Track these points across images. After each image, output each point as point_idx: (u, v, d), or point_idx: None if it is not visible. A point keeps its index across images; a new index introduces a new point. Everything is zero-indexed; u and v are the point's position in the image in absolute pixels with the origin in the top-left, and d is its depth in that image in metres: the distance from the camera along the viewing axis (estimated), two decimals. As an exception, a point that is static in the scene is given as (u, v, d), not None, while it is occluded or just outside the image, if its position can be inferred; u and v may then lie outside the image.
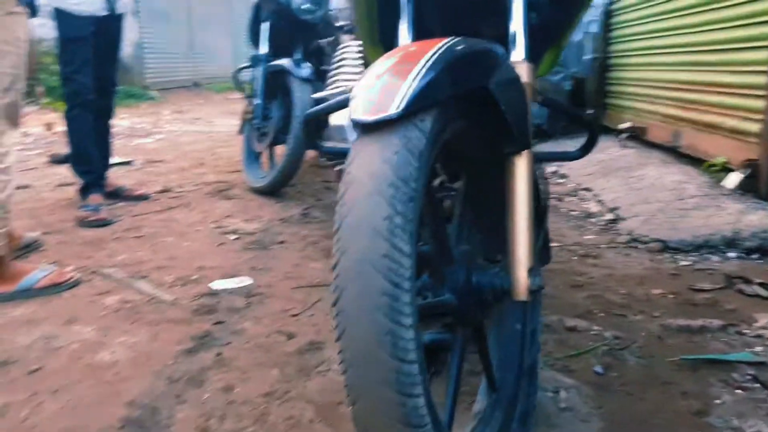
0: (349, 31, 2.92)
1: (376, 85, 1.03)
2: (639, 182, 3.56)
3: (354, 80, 2.47)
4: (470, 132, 1.28)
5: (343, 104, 1.58)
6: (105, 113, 3.62)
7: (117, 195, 3.76)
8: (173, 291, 2.41)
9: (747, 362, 1.82)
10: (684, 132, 3.84)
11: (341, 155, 1.86)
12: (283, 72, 3.85)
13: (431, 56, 1.04)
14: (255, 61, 4.13)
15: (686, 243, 2.74)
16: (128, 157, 5.17)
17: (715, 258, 2.68)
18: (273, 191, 3.86)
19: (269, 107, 4.03)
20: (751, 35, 3.09)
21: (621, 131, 4.68)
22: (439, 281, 1.25)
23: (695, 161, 3.72)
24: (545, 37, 1.58)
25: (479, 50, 1.13)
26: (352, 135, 2.40)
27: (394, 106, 0.98)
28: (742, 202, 2.96)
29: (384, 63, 1.08)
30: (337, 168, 2.20)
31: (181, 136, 6.87)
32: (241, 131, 4.31)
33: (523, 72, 1.27)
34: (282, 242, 3.01)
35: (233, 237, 3.08)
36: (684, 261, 2.67)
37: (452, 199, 1.49)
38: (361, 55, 2.66)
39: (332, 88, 2.46)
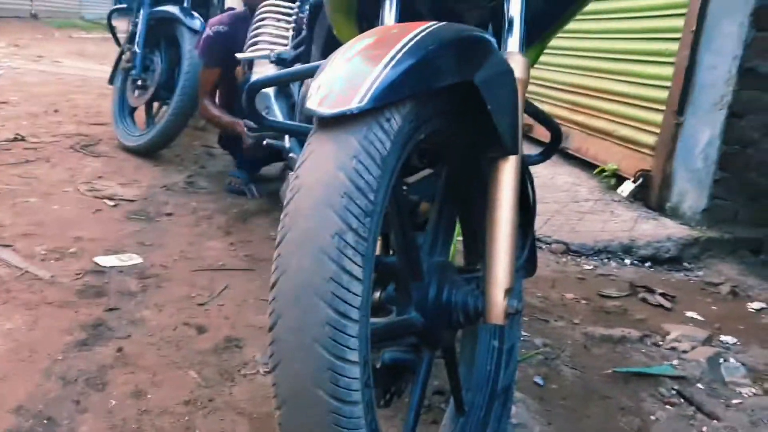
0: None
1: (342, 70, 0.86)
2: (532, 180, 3.61)
3: (278, 43, 2.23)
4: (449, 131, 1.13)
5: (298, 76, 1.37)
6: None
7: (-42, 140, 3.19)
8: (48, 266, 2.04)
9: (669, 376, 1.86)
10: (572, 135, 3.95)
11: (288, 132, 1.64)
12: (170, 20, 3.45)
13: (409, 41, 0.87)
14: (134, 2, 3.68)
15: (587, 247, 2.79)
16: (-35, 94, 4.45)
17: (613, 264, 2.75)
18: (150, 152, 3.47)
19: (150, 57, 3.61)
20: (654, 49, 3.21)
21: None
22: (405, 298, 1.10)
23: (582, 164, 3.85)
24: (531, 31, 1.46)
25: (467, 38, 0.96)
26: (276, 106, 2.17)
27: (357, 99, 0.81)
28: (634, 210, 3.08)
29: (356, 45, 0.90)
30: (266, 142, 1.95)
31: (24, 74, 6.06)
32: (112, 80, 3.83)
33: (518, 66, 1.10)
34: (170, 214, 2.69)
35: (111, 203, 2.71)
36: (587, 265, 2.72)
37: (431, 200, 1.33)
38: (285, 13, 2.41)
39: (254, 50, 2.20)
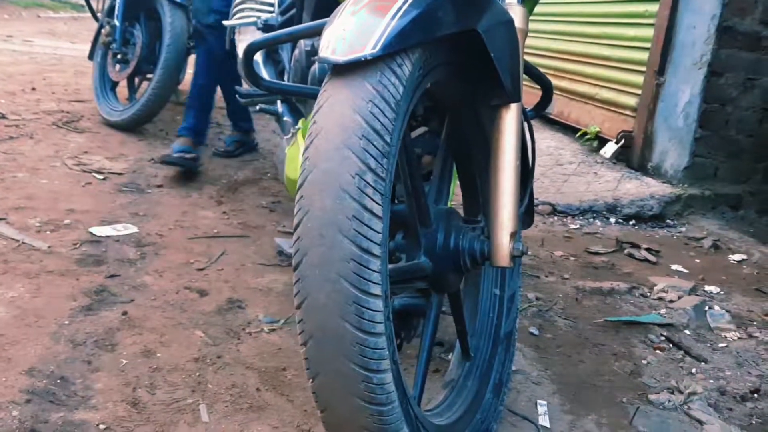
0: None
1: (351, 22, 0.90)
2: (516, 145, 3.66)
3: (263, 9, 2.22)
4: (454, 80, 1.17)
5: (299, 34, 1.38)
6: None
7: (-61, 118, 3.15)
8: (44, 237, 2.05)
9: (658, 324, 1.92)
10: (555, 100, 4.00)
11: (286, 93, 1.66)
12: (150, -8, 3.42)
13: None
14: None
15: (573, 208, 2.86)
16: (-61, 73, 4.36)
17: (598, 222, 2.82)
18: (134, 127, 3.45)
19: (130, 31, 3.57)
20: (634, 12, 3.25)
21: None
22: (415, 243, 1.14)
23: (565, 128, 3.90)
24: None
25: None
26: (265, 72, 2.17)
27: (370, 46, 0.85)
28: (617, 171, 3.15)
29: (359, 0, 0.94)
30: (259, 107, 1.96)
31: (-4, 54, 5.94)
32: (92, 56, 3.78)
33: (517, 16, 1.14)
34: (160, 186, 2.70)
35: (100, 177, 2.70)
36: (573, 224, 2.78)
37: (432, 153, 1.37)
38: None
39: (240, 18, 2.20)
